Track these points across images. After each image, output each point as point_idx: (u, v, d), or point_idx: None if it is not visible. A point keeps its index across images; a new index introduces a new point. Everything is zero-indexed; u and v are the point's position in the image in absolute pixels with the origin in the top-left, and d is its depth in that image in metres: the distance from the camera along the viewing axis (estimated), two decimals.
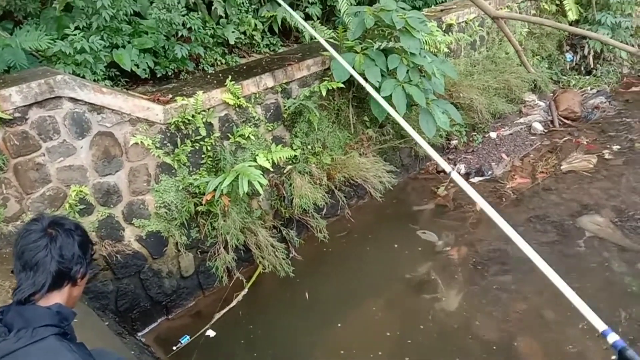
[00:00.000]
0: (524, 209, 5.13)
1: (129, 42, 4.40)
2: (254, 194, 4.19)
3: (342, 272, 4.51)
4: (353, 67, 4.35)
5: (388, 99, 4.43)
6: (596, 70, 7.48)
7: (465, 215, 5.10)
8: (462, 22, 6.03)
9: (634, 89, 7.53)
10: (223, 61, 5.01)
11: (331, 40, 4.86)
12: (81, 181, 3.46)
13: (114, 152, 3.57)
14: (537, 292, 4.03)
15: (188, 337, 3.88)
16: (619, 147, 5.98)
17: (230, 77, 4.09)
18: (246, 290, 4.26)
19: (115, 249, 3.68)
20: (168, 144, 3.82)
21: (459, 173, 5.81)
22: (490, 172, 5.79)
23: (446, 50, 5.52)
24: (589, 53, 7.34)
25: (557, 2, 7.09)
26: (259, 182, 3.79)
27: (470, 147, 6.17)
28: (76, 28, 4.02)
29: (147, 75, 4.48)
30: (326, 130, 4.82)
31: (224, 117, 4.13)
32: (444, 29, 5.67)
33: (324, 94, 4.36)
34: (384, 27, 4.58)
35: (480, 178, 5.72)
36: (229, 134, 4.18)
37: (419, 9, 6.15)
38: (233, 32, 5.06)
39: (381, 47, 4.34)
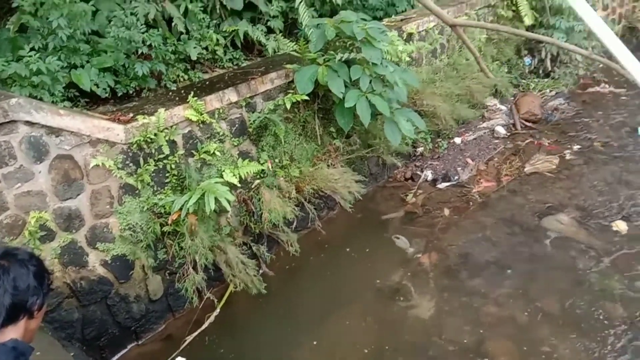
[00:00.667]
0: (491, 212, 5.21)
1: (87, 62, 4.30)
2: (221, 211, 4.12)
3: (315, 285, 4.48)
4: (316, 79, 4.37)
5: (352, 109, 4.46)
6: (554, 72, 7.71)
7: (434, 221, 5.15)
8: (423, 30, 6.12)
9: (590, 89, 7.78)
10: (186, 77, 4.95)
11: (294, 52, 4.86)
12: (41, 207, 3.34)
13: (74, 175, 3.47)
14: (507, 295, 4.09)
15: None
16: (579, 147, 6.15)
17: (192, 93, 4.03)
18: (217, 310, 4.17)
19: (80, 275, 3.56)
20: (130, 164, 3.73)
21: (426, 180, 5.88)
22: (456, 177, 5.87)
23: (408, 59, 5.59)
24: (546, 56, 7.55)
25: (514, 8, 7.29)
26: (226, 199, 3.74)
27: (436, 153, 6.25)
28: (31, 49, 3.91)
29: (107, 95, 4.39)
30: (293, 143, 4.81)
31: (187, 134, 4.06)
32: (404, 38, 5.75)
33: (288, 106, 4.35)
34: (346, 38, 4.62)
35: (447, 183, 5.79)
36: (193, 151, 4.11)
37: (380, 19, 6.22)
38: (195, 47, 5.01)
39: (343, 59, 4.36)
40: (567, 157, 5.97)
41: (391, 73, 4.49)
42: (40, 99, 3.77)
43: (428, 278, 4.41)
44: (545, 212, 5.02)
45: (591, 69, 8.14)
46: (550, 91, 7.52)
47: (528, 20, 7.11)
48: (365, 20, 4.64)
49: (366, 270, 4.58)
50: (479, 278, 4.32)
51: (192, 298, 3.97)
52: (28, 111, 3.18)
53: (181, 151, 4.01)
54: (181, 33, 4.97)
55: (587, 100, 7.48)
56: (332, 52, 4.54)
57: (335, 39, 4.48)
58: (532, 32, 6.82)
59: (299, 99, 4.35)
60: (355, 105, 4.34)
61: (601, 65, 8.16)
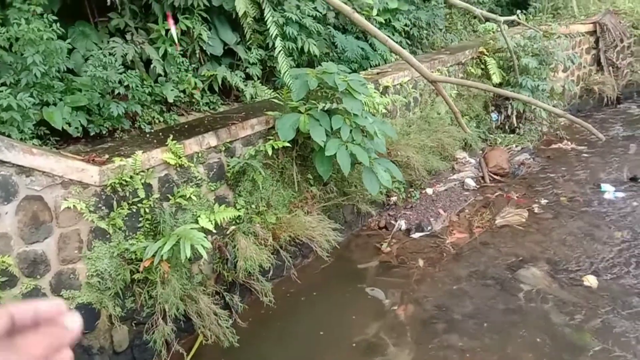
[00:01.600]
0: (464, 264, 5.23)
1: (60, 100, 4.18)
2: (195, 259, 3.98)
3: (289, 338, 4.32)
4: (298, 127, 4.38)
5: (332, 157, 4.47)
6: (519, 129, 8.02)
7: (409, 272, 5.12)
8: (397, 84, 6.30)
9: (553, 145, 8.13)
10: (161, 119, 4.88)
11: (274, 100, 4.88)
12: (4, 250, 3.13)
13: (42, 217, 3.28)
14: (484, 349, 4.04)
15: None
16: (546, 201, 6.33)
17: (171, 136, 3.96)
18: None
19: None
20: (103, 207, 3.57)
21: (400, 230, 5.89)
22: (429, 228, 5.91)
23: (384, 111, 5.71)
24: (512, 113, 7.87)
25: (482, 67, 7.64)
26: (202, 246, 3.61)
27: (409, 203, 6.30)
28: (2, 84, 3.78)
29: (79, 134, 4.26)
30: (270, 189, 4.75)
31: (164, 177, 3.95)
32: (380, 91, 5.89)
33: (270, 153, 4.32)
34: (327, 89, 4.69)
35: (421, 233, 5.81)
36: (169, 195, 3.99)
37: (355, 71, 6.38)
38: (172, 90, 4.97)
39: (325, 108, 4.41)
40: (536, 210, 6.13)
41: (370, 124, 4.56)
42: (9, 136, 3.61)
43: (405, 331, 4.33)
44: (518, 265, 5.08)
45: (554, 126, 8.53)
46: (516, 146, 7.79)
47: (496, 79, 7.44)
48: (345, 72, 4.73)
49: (342, 322, 4.46)
50: (456, 332, 4.27)
51: (160, 350, 3.75)
52: None
53: (156, 195, 3.89)
54: (159, 75, 4.93)
55: (551, 156, 7.79)
56: (313, 101, 4.59)
57: (316, 88, 4.53)
58: (502, 89, 7.11)
59: (280, 146, 4.33)
60: (335, 154, 4.35)
61: (563, 123, 8.59)
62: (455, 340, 4.17)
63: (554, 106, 7.47)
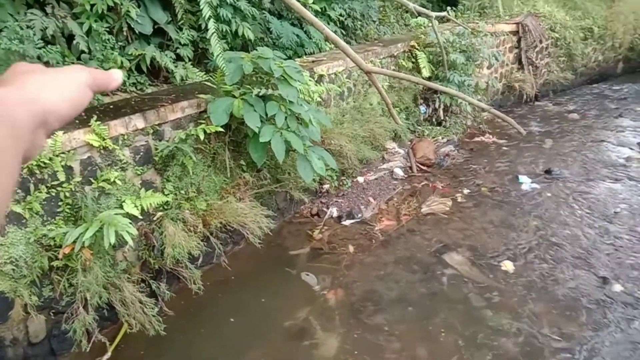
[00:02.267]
0: (391, 250, 5.40)
1: None
2: (120, 245, 3.82)
3: (218, 325, 4.27)
4: (231, 111, 4.30)
5: (267, 144, 4.43)
6: (445, 121, 8.36)
7: (340, 257, 5.22)
8: (332, 73, 6.34)
9: (476, 138, 8.54)
10: None
11: (207, 83, 4.75)
12: None
13: None
14: (409, 331, 4.21)
15: None
16: (469, 191, 6.66)
17: (95, 116, 3.75)
18: (109, 354, 3.80)
19: None
20: (19, 191, 3.33)
21: (331, 217, 5.98)
22: (360, 215, 6.04)
23: (318, 99, 5.73)
24: (439, 106, 8.18)
25: (413, 60, 7.85)
26: (128, 232, 3.48)
27: (340, 190, 6.40)
28: None
29: None
30: (201, 174, 4.64)
31: (86, 160, 3.75)
32: (315, 79, 5.90)
33: (202, 137, 4.21)
34: (262, 74, 4.62)
35: (352, 220, 5.92)
36: (91, 179, 3.79)
37: (290, 58, 6.35)
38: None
39: (260, 94, 4.35)
40: (459, 199, 6.43)
41: (306, 112, 4.56)
42: None
43: (334, 315, 4.41)
44: (442, 251, 5.32)
45: (478, 120, 8.96)
46: (442, 138, 8.12)
47: (426, 72, 7.69)
48: (280, 58, 4.69)
49: (272, 308, 4.47)
50: (382, 315, 4.41)
51: (80, 340, 3.58)
52: None
53: (78, 178, 3.68)
54: (82, 52, 4.64)
55: (474, 148, 8.19)
56: (248, 86, 4.51)
57: (252, 73, 4.46)
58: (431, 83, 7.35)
59: (212, 130, 4.23)
60: (270, 140, 4.32)
61: (485, 117, 9.05)
62: (381, 322, 4.31)
63: (478, 101, 7.85)
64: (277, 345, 4.10)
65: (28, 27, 4.11)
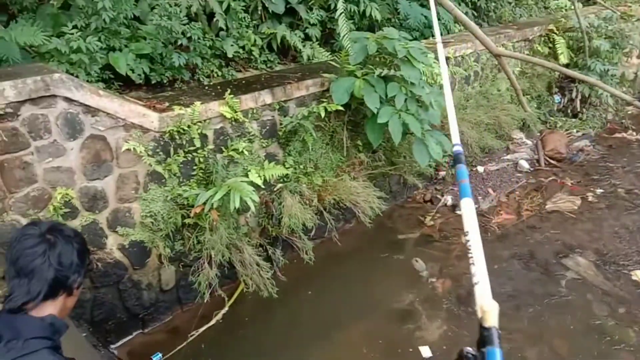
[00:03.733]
0: (508, 245, 5.15)
1: (126, 46, 4.33)
2: (243, 210, 4.11)
3: (325, 296, 4.44)
4: (352, 91, 4.37)
5: (384, 125, 4.45)
6: (582, 114, 7.67)
7: (451, 247, 5.10)
8: (459, 56, 6.12)
9: (617, 135, 7.73)
10: (219, 73, 4.98)
11: (331, 62, 4.87)
12: (68, 184, 3.34)
13: (104, 156, 3.47)
14: (518, 331, 4.02)
15: (160, 355, 3.73)
16: (602, 190, 6.09)
17: (229, 90, 4.04)
18: (227, 308, 4.15)
19: (97, 257, 3.56)
20: (160, 153, 3.73)
21: (445, 205, 5.84)
22: (476, 206, 5.82)
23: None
24: (576, 97, 7.52)
25: (550, 45, 7.28)
26: (251, 199, 3.72)
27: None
28: (74, 27, 3.94)
29: (141, 81, 4.42)
30: (319, 151, 4.80)
31: (219, 129, 4.07)
32: None
33: (322, 115, 4.34)
34: (386, 54, 4.62)
35: None
36: (222, 147, 4.11)
37: (416, 39, 6.23)
38: (232, 45, 5.05)
39: (382, 74, 4.36)
40: (590, 199, 5.91)
41: (427, 94, 4.48)
42: (76, 77, 3.79)
43: (441, 304, 4.35)
44: (564, 252, 4.96)
45: (620, 114, 8.09)
46: (577, 132, 7.48)
47: (563, 59, 7.10)
48: (406, 39, 4.64)
49: (378, 288, 4.53)
50: None
51: (203, 293, 3.95)
52: (69, 88, 3.19)
53: (211, 146, 4.01)
54: (220, 29, 5.00)
55: (613, 145, 7.43)
56: (370, 66, 4.54)
57: (375, 54, 4.48)
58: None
59: (333, 109, 4.34)
60: (387, 122, 4.32)
61: (630, 112, 8.13)
62: None
63: (623, 93, 7.08)
64: (381, 323, 4.16)
65: (176, 4, 4.51)
